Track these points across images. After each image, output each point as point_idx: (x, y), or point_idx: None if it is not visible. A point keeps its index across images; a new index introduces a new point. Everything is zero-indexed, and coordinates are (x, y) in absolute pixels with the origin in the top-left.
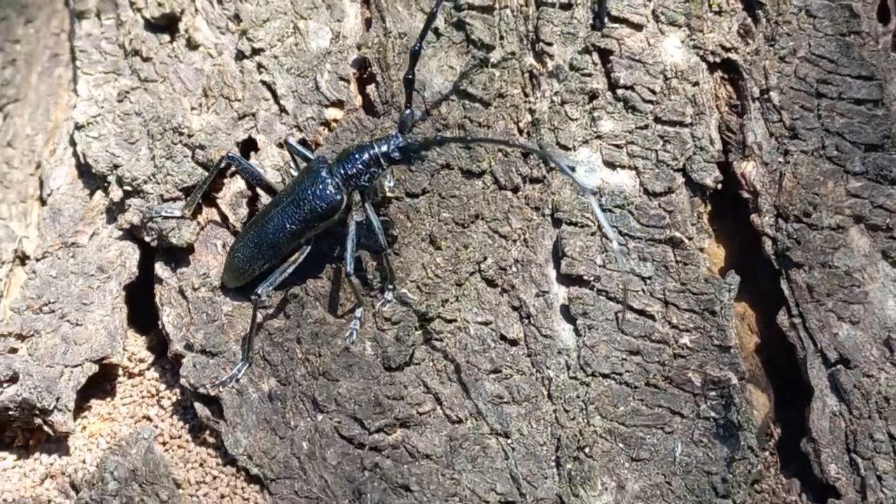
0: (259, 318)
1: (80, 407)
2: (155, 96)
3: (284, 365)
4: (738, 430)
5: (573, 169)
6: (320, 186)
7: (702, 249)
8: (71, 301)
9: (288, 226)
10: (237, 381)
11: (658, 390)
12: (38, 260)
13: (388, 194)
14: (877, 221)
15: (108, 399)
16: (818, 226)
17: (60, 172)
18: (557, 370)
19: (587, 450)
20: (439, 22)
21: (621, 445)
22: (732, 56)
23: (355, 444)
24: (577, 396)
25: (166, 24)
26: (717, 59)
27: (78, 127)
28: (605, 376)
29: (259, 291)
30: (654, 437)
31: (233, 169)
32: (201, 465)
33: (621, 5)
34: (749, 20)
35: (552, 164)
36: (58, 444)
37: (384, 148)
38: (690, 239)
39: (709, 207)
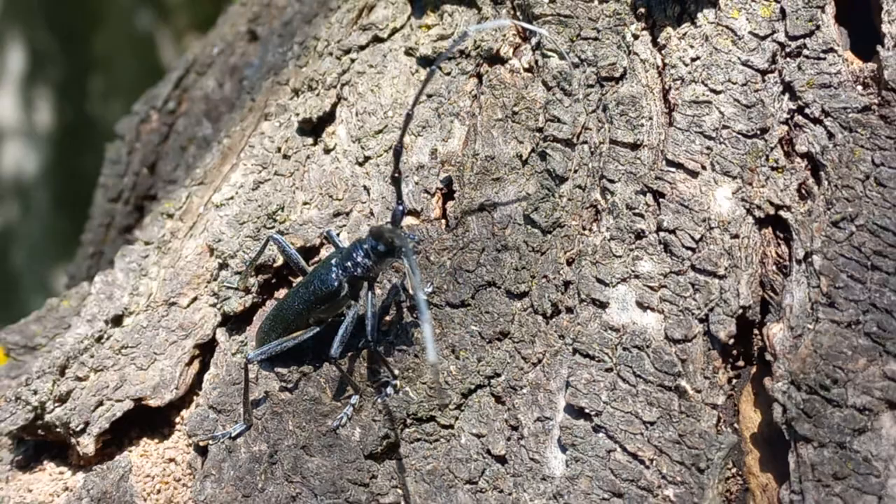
0: (265, 386)
1: (130, 441)
2: (275, 187)
3: (277, 433)
4: None
5: None
6: (323, 272)
7: (714, 405)
8: (147, 349)
9: (296, 305)
10: (230, 438)
11: None
12: (143, 312)
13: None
14: None
15: (157, 441)
16: (839, 403)
17: (192, 244)
18: (534, 494)
19: None
20: (526, 149)
21: None
22: (783, 214)
23: None
24: None
25: (311, 129)
26: (763, 215)
27: (216, 206)
28: None
29: (250, 356)
30: None
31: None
32: (169, 501)
33: (679, 150)
34: (811, 181)
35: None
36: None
37: (370, 243)
38: (699, 391)
39: (754, 369)
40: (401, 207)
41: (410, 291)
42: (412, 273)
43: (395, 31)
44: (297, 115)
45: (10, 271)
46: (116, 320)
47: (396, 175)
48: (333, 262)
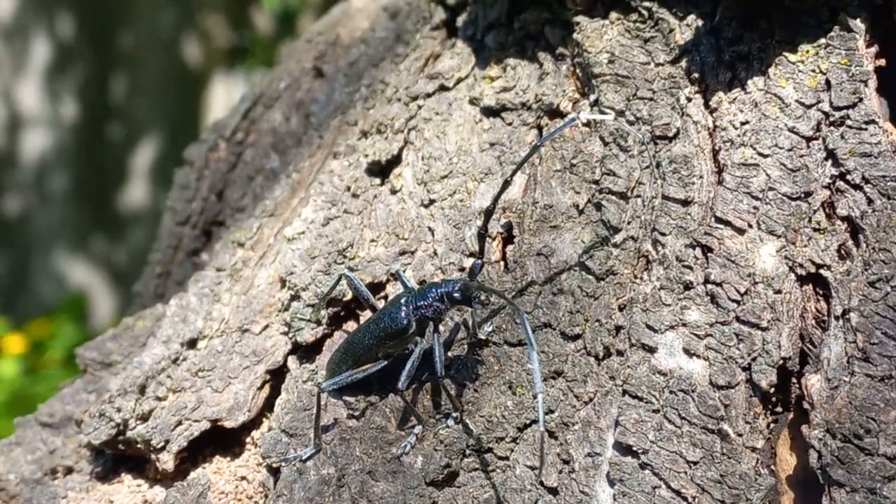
0: (334, 413)
1: (204, 458)
2: (344, 224)
3: (344, 458)
4: None
5: None
6: (393, 311)
7: (754, 449)
8: (222, 372)
9: (366, 339)
10: (301, 461)
11: None
12: (217, 337)
13: (482, 336)
14: None
15: (229, 459)
16: (871, 451)
17: (264, 274)
18: None
19: None
20: (582, 200)
21: None
22: (823, 273)
23: None
24: None
25: (379, 171)
26: (804, 273)
27: (288, 239)
28: None
29: (323, 385)
30: None
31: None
32: None
33: (727, 208)
34: (851, 242)
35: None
36: (171, 482)
37: (448, 288)
38: (740, 435)
39: (791, 415)
40: (480, 262)
41: (473, 332)
42: (531, 343)
43: (459, 80)
44: (366, 156)
45: (24, 258)
46: (191, 343)
47: (483, 232)
48: (403, 301)
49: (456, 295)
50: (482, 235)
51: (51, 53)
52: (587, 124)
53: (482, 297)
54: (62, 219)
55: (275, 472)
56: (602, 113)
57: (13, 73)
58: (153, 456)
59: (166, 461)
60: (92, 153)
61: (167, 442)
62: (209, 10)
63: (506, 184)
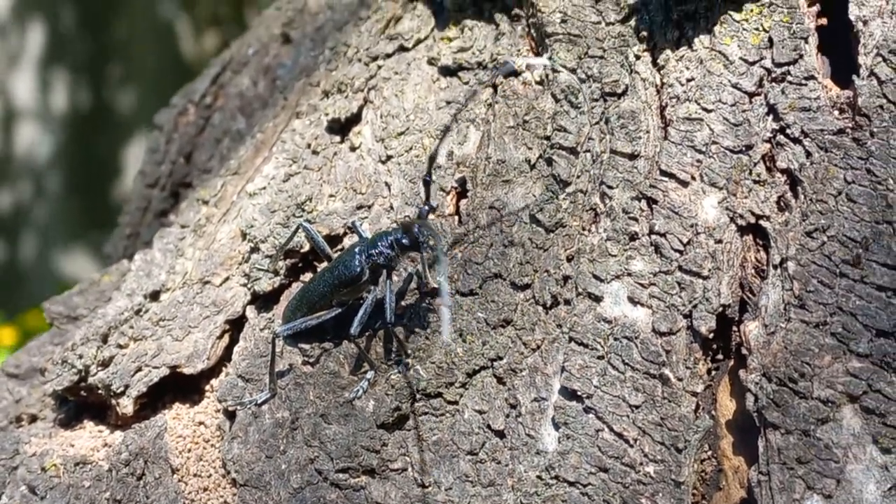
0: (289, 359)
1: (164, 404)
2: (304, 180)
3: (298, 402)
4: None
5: None
6: (348, 259)
7: (694, 393)
8: (183, 322)
9: (321, 287)
10: (256, 405)
11: None
12: (179, 289)
13: (433, 284)
14: (871, 405)
15: (188, 406)
16: (806, 394)
17: (226, 229)
18: (529, 467)
19: None
20: (534, 155)
21: None
22: (763, 223)
23: (322, 477)
24: (537, 493)
25: (340, 128)
26: (745, 223)
27: (249, 195)
28: (569, 483)
29: (277, 331)
30: None
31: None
32: (200, 459)
33: (672, 161)
34: (789, 194)
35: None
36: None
37: (396, 235)
38: (681, 380)
39: (731, 363)
40: (426, 207)
41: (425, 280)
42: (441, 263)
43: (419, 41)
44: (327, 114)
45: (20, 253)
46: (154, 295)
47: (427, 178)
48: (357, 249)
49: (404, 240)
50: (427, 182)
51: (45, 45)
52: (540, 83)
53: (430, 243)
54: (56, 212)
55: (231, 415)
56: (552, 68)
57: (8, 67)
58: (113, 401)
59: (126, 405)
60: (86, 146)
61: (127, 387)
62: (203, 4)
63: (446, 130)
